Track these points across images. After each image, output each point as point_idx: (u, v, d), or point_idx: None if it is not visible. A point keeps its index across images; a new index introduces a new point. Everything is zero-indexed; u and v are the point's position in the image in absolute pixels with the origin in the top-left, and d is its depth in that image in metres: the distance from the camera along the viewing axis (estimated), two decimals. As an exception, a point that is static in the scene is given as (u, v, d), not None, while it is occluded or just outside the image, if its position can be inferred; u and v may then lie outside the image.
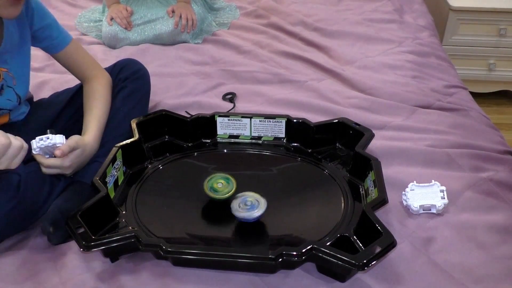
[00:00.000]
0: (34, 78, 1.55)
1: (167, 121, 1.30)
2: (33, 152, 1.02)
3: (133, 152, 1.20)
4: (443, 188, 1.10)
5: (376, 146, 1.25)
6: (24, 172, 1.03)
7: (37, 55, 1.67)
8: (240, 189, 1.06)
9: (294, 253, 0.88)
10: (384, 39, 1.90)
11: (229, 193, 1.06)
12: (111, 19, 1.87)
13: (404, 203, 1.09)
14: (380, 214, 1.01)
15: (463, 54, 2.38)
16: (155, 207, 1.09)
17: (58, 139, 1.02)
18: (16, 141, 0.93)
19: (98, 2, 2.24)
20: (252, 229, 1.03)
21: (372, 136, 1.21)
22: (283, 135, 1.30)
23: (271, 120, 1.29)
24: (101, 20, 2.00)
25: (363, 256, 0.86)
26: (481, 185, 1.15)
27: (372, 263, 0.85)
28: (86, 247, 0.91)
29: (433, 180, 1.12)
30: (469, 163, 1.22)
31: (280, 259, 0.88)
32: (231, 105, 1.48)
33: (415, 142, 1.30)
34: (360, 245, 0.93)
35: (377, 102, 1.49)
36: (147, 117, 1.27)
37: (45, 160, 1.03)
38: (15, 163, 0.94)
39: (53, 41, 1.21)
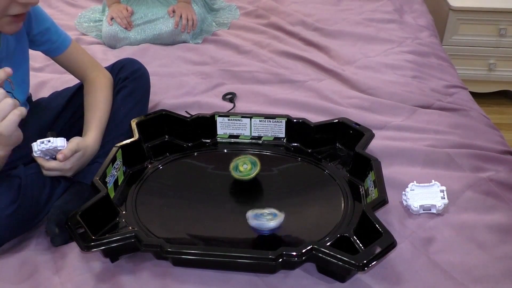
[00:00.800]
0: (34, 78, 1.55)
1: (167, 121, 1.30)
2: (34, 154, 1.02)
3: (133, 152, 1.19)
4: (443, 188, 1.10)
5: (376, 146, 1.25)
6: (24, 175, 1.03)
7: (37, 55, 1.66)
8: (240, 189, 1.05)
9: (294, 253, 0.88)
10: (384, 39, 1.90)
11: (251, 175, 1.11)
12: (111, 19, 1.87)
13: (404, 203, 1.09)
14: (380, 214, 1.01)
15: (463, 54, 2.38)
16: (155, 207, 1.09)
17: (59, 142, 1.01)
18: (9, 98, 0.89)
19: (98, 2, 2.24)
20: (252, 229, 1.02)
21: (372, 136, 1.21)
22: (283, 135, 1.30)
23: (271, 120, 1.29)
24: (101, 20, 2.00)
25: (363, 257, 0.85)
26: (481, 185, 1.15)
27: (372, 264, 0.85)
28: (86, 247, 0.90)
29: (433, 180, 1.12)
30: (469, 163, 1.22)
31: (280, 259, 0.88)
32: (231, 105, 1.48)
33: (415, 142, 1.30)
34: (360, 245, 0.93)
35: (377, 102, 1.49)
36: (147, 117, 1.27)
37: (46, 163, 1.03)
38: (5, 125, 0.88)
39: (52, 44, 1.21)
